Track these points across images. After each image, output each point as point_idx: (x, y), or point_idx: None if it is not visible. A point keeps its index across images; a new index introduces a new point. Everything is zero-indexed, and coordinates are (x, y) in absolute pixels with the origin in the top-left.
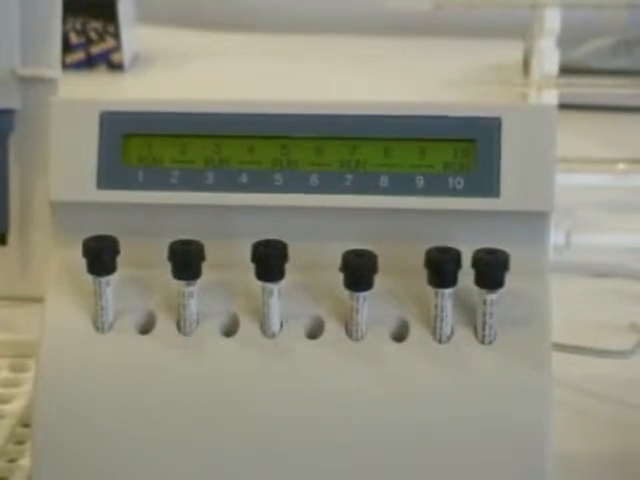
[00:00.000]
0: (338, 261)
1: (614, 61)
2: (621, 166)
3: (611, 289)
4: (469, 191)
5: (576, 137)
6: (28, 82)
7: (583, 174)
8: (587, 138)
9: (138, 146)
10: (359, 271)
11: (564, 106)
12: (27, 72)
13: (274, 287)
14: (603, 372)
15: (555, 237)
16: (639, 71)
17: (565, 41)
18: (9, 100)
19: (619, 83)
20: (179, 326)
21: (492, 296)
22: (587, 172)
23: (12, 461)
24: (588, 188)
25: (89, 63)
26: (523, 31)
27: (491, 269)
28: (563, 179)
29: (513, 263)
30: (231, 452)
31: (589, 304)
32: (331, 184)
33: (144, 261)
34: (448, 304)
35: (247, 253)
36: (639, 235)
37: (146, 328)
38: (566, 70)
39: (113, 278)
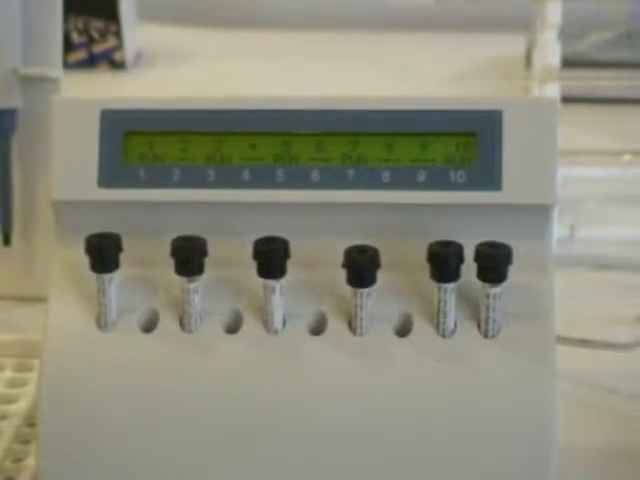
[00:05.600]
0: (340, 257)
1: (616, 53)
2: (626, 158)
3: (616, 282)
4: (471, 185)
5: (580, 130)
6: (30, 82)
7: (588, 166)
8: (591, 130)
9: (139, 144)
10: (362, 267)
11: (567, 99)
12: (29, 72)
13: (276, 284)
14: (608, 365)
15: (559, 230)
16: None
17: (567, 34)
18: (11, 100)
19: (621, 75)
20: (182, 324)
21: (495, 290)
22: (592, 164)
23: (18, 461)
24: (593, 180)
25: (91, 62)
26: (525, 24)
27: (494, 263)
28: (567, 172)
29: (516, 256)
30: (235, 448)
31: (594, 297)
32: (332, 180)
33: (146, 259)
34: (451, 298)
35: (249, 250)
36: None
37: (149, 326)
38: (568, 63)
39: (116, 276)
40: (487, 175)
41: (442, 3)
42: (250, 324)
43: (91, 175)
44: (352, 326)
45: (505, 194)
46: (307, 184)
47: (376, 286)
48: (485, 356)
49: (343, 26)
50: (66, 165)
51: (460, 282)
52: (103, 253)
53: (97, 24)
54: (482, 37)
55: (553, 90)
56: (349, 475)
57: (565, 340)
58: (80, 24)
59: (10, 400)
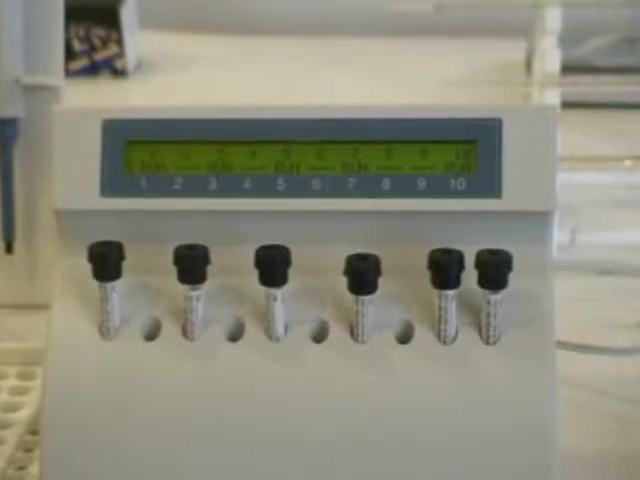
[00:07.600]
0: (341, 265)
1: (616, 59)
2: (627, 163)
3: (617, 287)
4: (471, 192)
5: (580, 135)
6: (32, 90)
7: (588, 172)
8: (591, 136)
9: (141, 153)
10: (363, 274)
11: (567, 104)
12: (30, 80)
13: (278, 292)
14: (608, 370)
15: (560, 235)
16: None
17: (567, 40)
18: (13, 109)
19: (622, 80)
20: (184, 332)
21: (496, 297)
22: (592, 170)
23: (21, 469)
24: (593, 186)
25: (93, 70)
26: (524, 30)
27: (494, 270)
28: (568, 177)
29: (516, 263)
30: (236, 456)
31: (595, 302)
32: (333, 188)
33: (149, 268)
34: (452, 305)
35: (251, 258)
36: None
37: (152, 334)
38: (568, 68)
39: (118, 284)
40: (487, 182)
41: (442, 9)
42: (252, 332)
43: (93, 184)
44: (353, 333)
45: (505, 201)
46: (308, 192)
47: (377, 293)
48: (486, 362)
49: (342, 32)
50: (68, 175)
51: (461, 289)
52: (106, 261)
53: (98, 32)
54: (482, 43)
55: (553, 96)
56: None
57: (565, 345)
58: (81, 32)
59: (13, 408)
